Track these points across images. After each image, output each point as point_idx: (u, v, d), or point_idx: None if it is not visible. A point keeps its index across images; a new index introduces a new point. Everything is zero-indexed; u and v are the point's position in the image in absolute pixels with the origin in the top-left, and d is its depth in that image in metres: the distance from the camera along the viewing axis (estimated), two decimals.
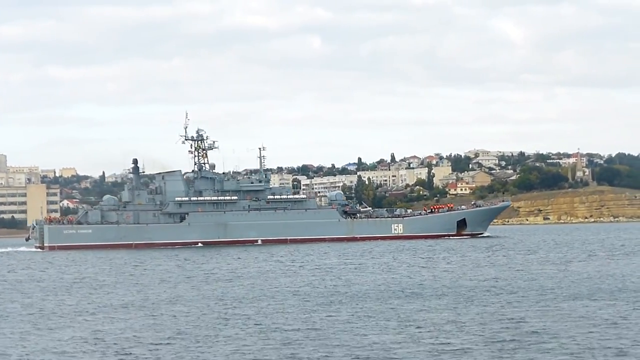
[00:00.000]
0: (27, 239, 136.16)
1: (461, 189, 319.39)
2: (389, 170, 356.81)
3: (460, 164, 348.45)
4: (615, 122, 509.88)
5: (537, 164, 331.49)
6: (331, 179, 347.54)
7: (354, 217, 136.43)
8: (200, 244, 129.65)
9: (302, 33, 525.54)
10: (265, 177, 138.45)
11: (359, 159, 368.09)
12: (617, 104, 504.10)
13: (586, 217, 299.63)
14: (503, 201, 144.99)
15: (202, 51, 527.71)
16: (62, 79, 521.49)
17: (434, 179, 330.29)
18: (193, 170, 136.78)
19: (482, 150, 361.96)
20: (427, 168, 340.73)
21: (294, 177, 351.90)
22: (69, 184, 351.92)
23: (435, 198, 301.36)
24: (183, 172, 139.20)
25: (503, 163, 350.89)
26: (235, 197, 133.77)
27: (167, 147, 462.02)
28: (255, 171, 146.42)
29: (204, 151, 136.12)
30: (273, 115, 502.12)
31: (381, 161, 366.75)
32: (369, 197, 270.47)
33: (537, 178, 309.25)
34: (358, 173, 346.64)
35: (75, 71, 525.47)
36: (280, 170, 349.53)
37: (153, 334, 36.82)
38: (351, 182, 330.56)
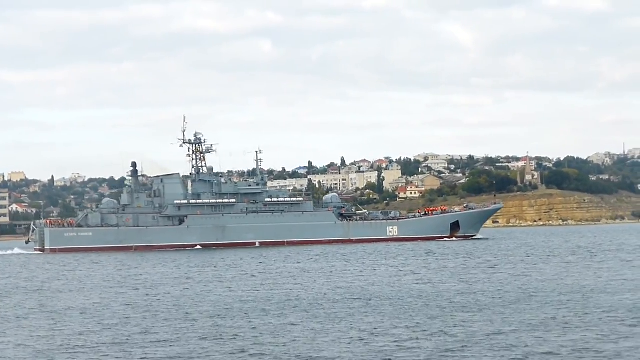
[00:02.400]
0: (27, 242, 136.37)
1: (411, 193, 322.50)
2: (339, 173, 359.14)
3: (409, 167, 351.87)
4: (564, 126, 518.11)
5: (486, 168, 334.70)
6: (282, 182, 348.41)
7: (350, 220, 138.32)
8: (199, 247, 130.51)
9: (253, 37, 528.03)
10: (262, 179, 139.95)
11: (310, 162, 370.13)
12: (567, 108, 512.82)
13: (535, 221, 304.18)
14: (495, 204, 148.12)
15: (152, 55, 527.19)
16: (10, 83, 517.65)
17: (384, 182, 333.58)
18: (190, 173, 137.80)
19: (431, 154, 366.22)
20: (377, 172, 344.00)
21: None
22: (17, 188, 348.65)
23: (385, 202, 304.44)
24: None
25: (452, 167, 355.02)
26: (233, 200, 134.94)
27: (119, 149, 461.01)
28: (251, 173, 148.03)
29: (202, 154, 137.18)
30: (224, 119, 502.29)
31: (331, 165, 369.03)
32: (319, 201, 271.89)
33: (486, 182, 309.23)
34: (308, 176, 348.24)
35: (24, 75, 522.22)
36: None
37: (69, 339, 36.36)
38: (301, 185, 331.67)
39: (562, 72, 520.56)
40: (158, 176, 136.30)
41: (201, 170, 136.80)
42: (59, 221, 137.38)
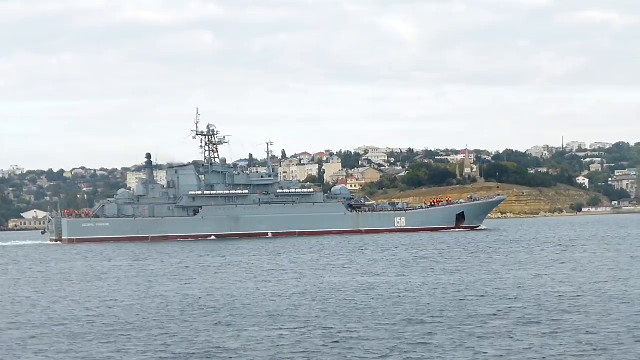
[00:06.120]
0: (43, 233, 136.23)
1: (351, 185, 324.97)
2: (280, 166, 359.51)
3: (350, 160, 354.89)
4: (503, 119, 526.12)
5: (426, 161, 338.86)
6: None
7: (359, 211, 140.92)
8: (213, 237, 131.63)
9: (194, 29, 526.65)
10: (273, 171, 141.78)
11: (250, 155, 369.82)
12: (506, 102, 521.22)
13: None
14: (498, 195, 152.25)
15: (92, 46, 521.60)
16: None
17: (324, 175, 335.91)
18: (203, 165, 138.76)
19: (371, 147, 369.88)
20: (317, 164, 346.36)
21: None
22: None
23: (325, 194, 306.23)
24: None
25: (392, 160, 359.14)
26: (246, 191, 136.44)
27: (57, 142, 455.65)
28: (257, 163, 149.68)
29: (214, 146, 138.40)
30: (164, 111, 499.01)
31: (272, 157, 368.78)
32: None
33: (425, 174, 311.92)
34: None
35: None
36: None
37: None
38: None
39: (502, 66, 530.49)
40: (172, 167, 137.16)
41: (213, 162, 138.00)
42: (75, 212, 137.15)
